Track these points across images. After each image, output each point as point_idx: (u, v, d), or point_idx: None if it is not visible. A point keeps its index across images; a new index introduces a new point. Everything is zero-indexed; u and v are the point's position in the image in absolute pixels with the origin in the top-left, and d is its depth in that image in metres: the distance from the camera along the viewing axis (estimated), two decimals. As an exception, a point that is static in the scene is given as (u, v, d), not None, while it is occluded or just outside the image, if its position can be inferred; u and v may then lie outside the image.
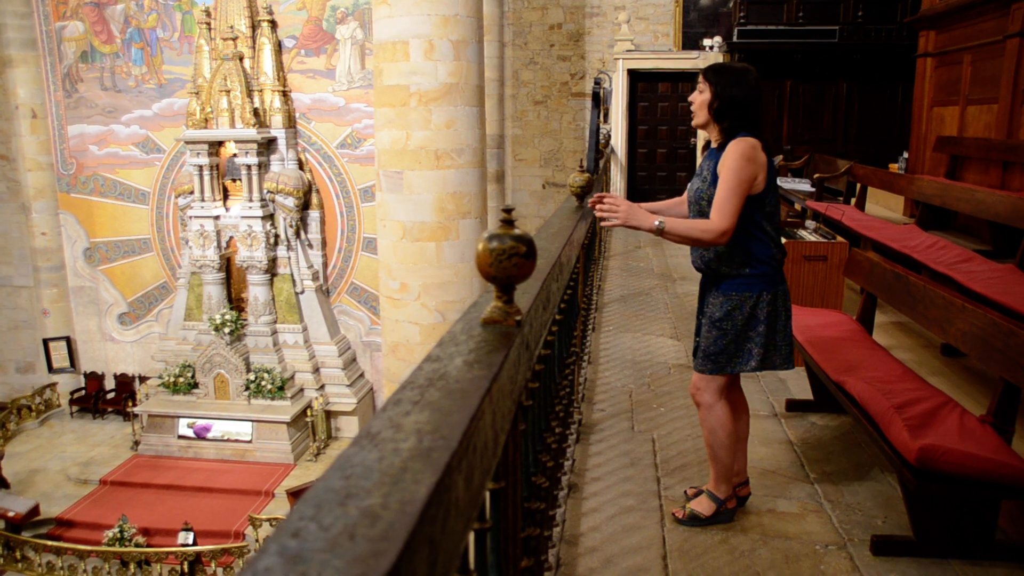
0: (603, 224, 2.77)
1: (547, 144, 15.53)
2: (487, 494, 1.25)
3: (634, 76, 11.88)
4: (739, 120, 2.73)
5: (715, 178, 2.72)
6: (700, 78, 2.80)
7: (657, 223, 2.67)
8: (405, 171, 8.99)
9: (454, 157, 8.93)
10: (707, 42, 11.39)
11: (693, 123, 2.85)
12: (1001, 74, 6.08)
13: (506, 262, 1.35)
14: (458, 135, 8.96)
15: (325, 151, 15.41)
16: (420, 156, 8.92)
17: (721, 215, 2.63)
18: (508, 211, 1.41)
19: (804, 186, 7.85)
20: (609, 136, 10.07)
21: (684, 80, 11.80)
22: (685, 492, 3.09)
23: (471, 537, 1.26)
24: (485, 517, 1.21)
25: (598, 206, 2.73)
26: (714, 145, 2.81)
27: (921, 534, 2.72)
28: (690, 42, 13.72)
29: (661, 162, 11.47)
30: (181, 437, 13.79)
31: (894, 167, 8.73)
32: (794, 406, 4.06)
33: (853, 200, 7.19)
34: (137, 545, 11.10)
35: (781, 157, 5.71)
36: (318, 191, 15.40)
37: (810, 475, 3.35)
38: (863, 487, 3.24)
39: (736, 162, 2.65)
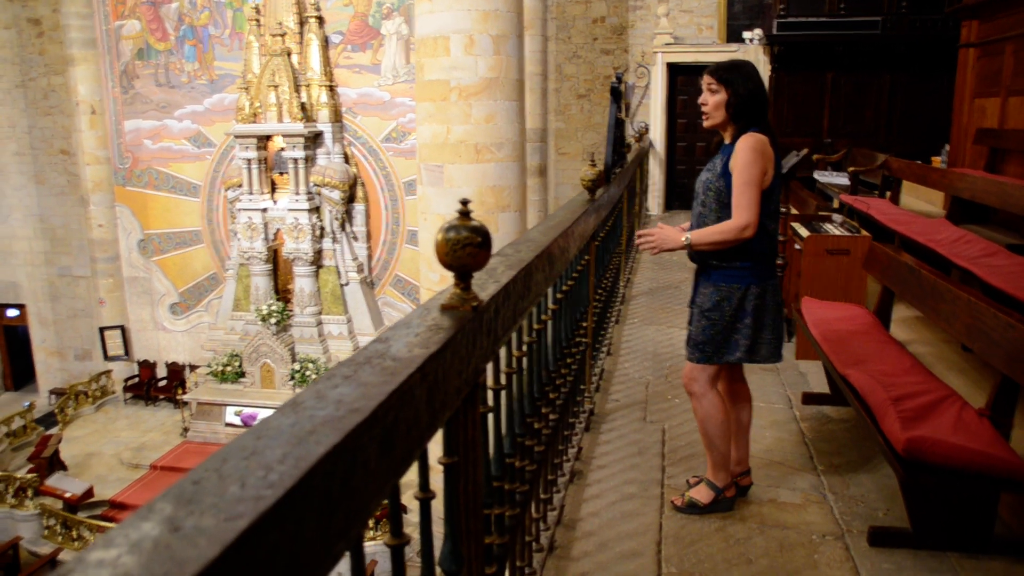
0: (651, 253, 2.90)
1: (590, 138, 15.53)
2: (433, 467, 1.34)
3: (673, 69, 11.83)
4: (752, 116, 2.77)
5: (724, 171, 2.76)
6: (709, 79, 2.82)
7: (684, 239, 2.77)
8: (445, 165, 9.11)
9: (494, 151, 9.02)
10: (746, 35, 11.30)
11: (706, 124, 2.88)
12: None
13: (461, 251, 1.43)
14: (498, 129, 9.04)
15: (370, 145, 15.65)
16: (460, 150, 9.04)
17: (740, 210, 2.69)
18: (464, 203, 1.49)
19: (841, 179, 7.77)
20: (647, 129, 10.03)
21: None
22: (687, 481, 3.14)
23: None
24: (427, 487, 1.29)
25: (638, 243, 2.92)
26: (728, 141, 2.85)
27: (918, 526, 2.73)
28: (734, 35, 13.57)
29: (701, 156, 11.41)
30: (228, 425, 14.17)
31: (936, 160, 8.58)
32: (810, 399, 4.07)
33: (888, 194, 7.09)
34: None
35: (805, 151, 5.67)
36: (363, 184, 15.64)
37: (817, 467, 3.37)
38: (869, 479, 3.25)
39: (748, 156, 2.70)
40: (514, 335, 2.01)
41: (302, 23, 15.03)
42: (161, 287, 16.97)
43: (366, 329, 15.17)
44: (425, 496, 1.29)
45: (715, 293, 2.81)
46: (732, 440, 3.03)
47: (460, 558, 1.45)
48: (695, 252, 2.86)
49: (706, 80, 2.83)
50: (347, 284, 15.21)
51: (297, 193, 14.67)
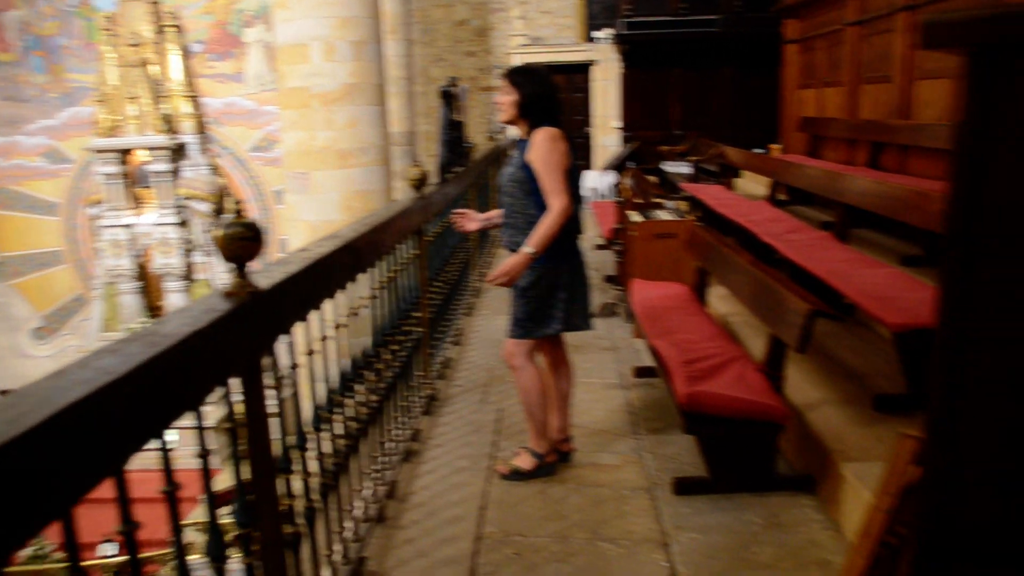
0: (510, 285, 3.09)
1: (480, 137, 15.80)
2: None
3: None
4: (542, 114, 3.06)
5: (523, 163, 3.03)
6: (503, 81, 3.11)
7: (528, 251, 2.98)
8: (311, 171, 9.12)
9: (358, 156, 9.09)
10: (597, 35, 11.79)
11: (500, 119, 3.18)
12: (844, 59, 6.58)
13: (235, 244, 1.63)
14: (361, 134, 9.11)
15: (238, 155, 15.41)
16: (325, 156, 9.07)
17: (554, 195, 2.97)
18: (238, 202, 1.68)
19: (684, 168, 8.28)
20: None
21: (578, 72, 12.19)
22: (515, 451, 3.40)
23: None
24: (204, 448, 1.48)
25: (494, 284, 3.07)
26: (524, 137, 3.12)
27: (714, 473, 3.08)
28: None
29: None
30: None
31: (775, 148, 9.23)
32: (641, 372, 4.40)
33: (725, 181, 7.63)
34: (57, 561, 11.04)
35: (636, 144, 6.06)
36: (233, 195, 15.39)
37: (638, 432, 3.69)
38: (682, 439, 3.54)
39: (547, 145, 2.99)
40: (319, 320, 2.21)
41: (159, 32, 14.66)
42: (21, 312, 16.21)
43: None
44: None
45: (530, 274, 3.06)
46: (554, 409, 3.32)
47: (251, 513, 1.64)
48: (511, 241, 3.11)
49: (501, 82, 3.12)
50: (221, 297, 14.92)
51: (164, 207, 14.32)
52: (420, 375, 3.78)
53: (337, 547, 2.34)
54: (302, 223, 9.03)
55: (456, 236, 5.04)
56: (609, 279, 6.40)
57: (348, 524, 2.46)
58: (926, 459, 1.17)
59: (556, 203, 2.95)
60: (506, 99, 3.08)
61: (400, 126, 14.13)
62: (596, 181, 9.12)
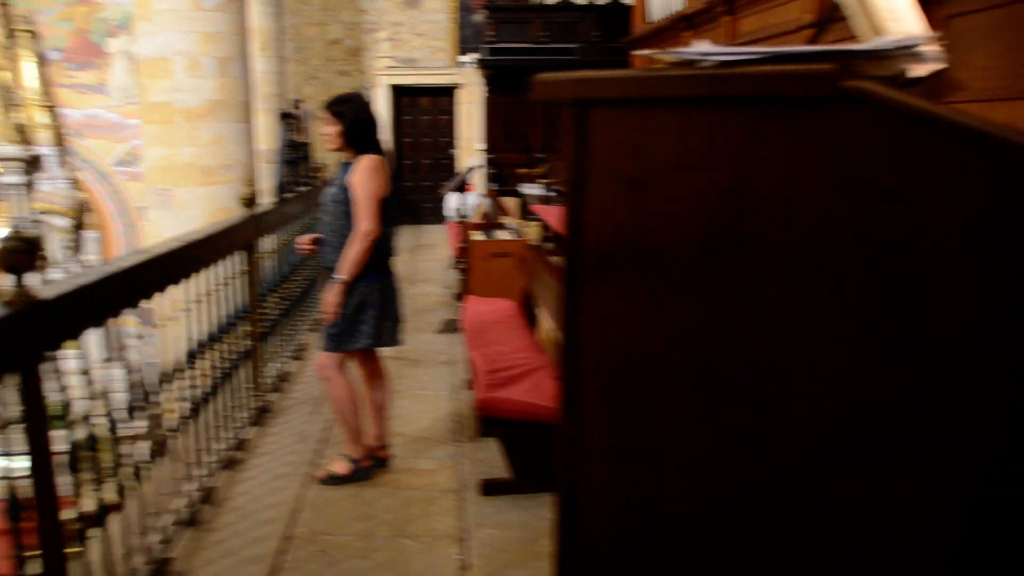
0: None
1: (332, 157, 15.81)
2: None
3: (399, 91, 12.48)
4: (364, 140, 3.28)
5: (343, 187, 3.24)
6: (327, 113, 3.31)
7: (340, 279, 3.19)
8: (174, 188, 9.00)
9: (223, 173, 9.04)
10: (462, 59, 12.14)
11: (328, 148, 3.38)
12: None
13: (12, 257, 1.78)
14: (226, 151, 9.05)
15: (101, 169, 14.94)
16: (188, 173, 8.96)
17: (362, 219, 3.19)
18: (17, 229, 1.82)
19: (539, 191, 8.66)
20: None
21: (443, 95, 12.50)
22: (334, 458, 3.57)
23: None
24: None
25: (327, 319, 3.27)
26: (346, 160, 3.33)
27: (518, 474, 3.34)
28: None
29: (426, 172, 12.11)
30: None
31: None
32: (471, 384, 4.65)
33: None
34: None
35: (471, 168, 6.36)
36: (94, 210, 14.90)
37: (460, 439, 3.93)
38: (497, 444, 3.83)
39: (366, 174, 3.20)
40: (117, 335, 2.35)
41: (11, 36, 14.09)
42: None
43: (103, 362, 14.41)
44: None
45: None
46: (372, 418, 3.53)
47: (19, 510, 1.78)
48: (328, 262, 3.31)
49: (324, 114, 3.32)
50: (80, 314, 14.39)
51: (17, 221, 13.72)
52: (250, 387, 3.90)
53: (140, 549, 2.47)
54: (165, 240, 8.92)
55: (299, 255, 5.18)
56: (457, 296, 6.66)
57: (157, 525, 2.59)
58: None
59: (362, 227, 3.16)
60: (331, 130, 3.29)
61: (270, 143, 14.05)
62: (458, 202, 9.40)
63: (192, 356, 3.00)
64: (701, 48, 1.20)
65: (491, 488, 3.35)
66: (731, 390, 1.19)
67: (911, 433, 1.12)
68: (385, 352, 3.60)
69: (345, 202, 3.25)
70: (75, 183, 14.72)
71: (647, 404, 1.23)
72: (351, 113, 3.27)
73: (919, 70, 1.29)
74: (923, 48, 1.19)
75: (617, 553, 1.31)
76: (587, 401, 1.27)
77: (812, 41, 1.74)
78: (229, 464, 3.44)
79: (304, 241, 3.52)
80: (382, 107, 12.39)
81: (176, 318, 2.94)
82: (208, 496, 3.13)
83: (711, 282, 1.16)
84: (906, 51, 1.18)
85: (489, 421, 3.09)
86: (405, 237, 10.75)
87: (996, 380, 1.07)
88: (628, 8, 9.81)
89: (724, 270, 1.15)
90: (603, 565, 1.32)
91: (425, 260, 8.86)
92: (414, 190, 12.13)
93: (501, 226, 6.01)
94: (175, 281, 2.78)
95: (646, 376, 1.22)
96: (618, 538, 1.30)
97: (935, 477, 1.12)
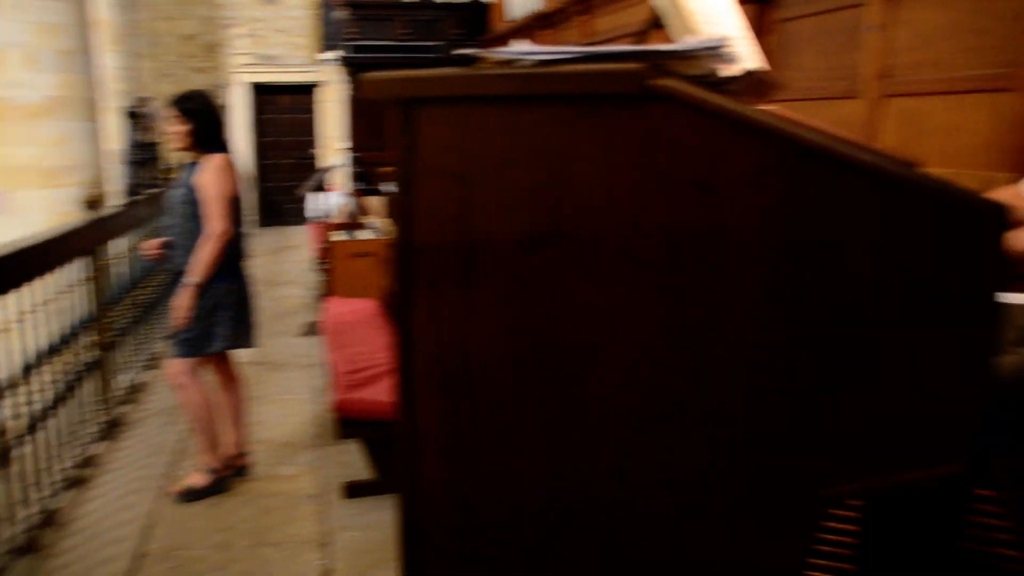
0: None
1: (179, 157, 15.22)
2: None
3: (260, 89, 12.11)
4: (211, 139, 3.17)
5: (191, 188, 3.12)
6: (173, 111, 3.18)
7: (191, 281, 3.07)
8: (14, 190, 8.43)
9: (68, 175, 8.53)
10: (324, 56, 11.94)
11: (173, 148, 3.25)
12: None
13: None
14: (71, 151, 8.55)
15: (-71, 171, 13.80)
16: (28, 174, 8.39)
17: (213, 220, 3.08)
18: None
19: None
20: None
21: (304, 93, 12.25)
22: (190, 470, 3.45)
23: None
24: None
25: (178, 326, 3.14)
26: (192, 160, 3.21)
27: (381, 474, 3.32)
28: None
29: (288, 172, 11.81)
30: None
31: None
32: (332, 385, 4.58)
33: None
34: None
35: (329, 167, 6.29)
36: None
37: (322, 443, 3.86)
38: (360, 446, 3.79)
39: (214, 174, 3.10)
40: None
41: None
42: None
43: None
44: None
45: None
46: (230, 424, 3.42)
47: None
48: (176, 266, 3.18)
49: (171, 112, 3.19)
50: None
51: None
52: (99, 400, 3.71)
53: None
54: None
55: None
56: (320, 298, 6.54)
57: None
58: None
59: (213, 228, 3.07)
60: (178, 129, 3.16)
61: (122, 143, 13.37)
62: (321, 202, 9.22)
63: (28, 370, 2.82)
64: (520, 48, 1.23)
65: (354, 490, 3.32)
66: (548, 379, 1.23)
67: (692, 414, 1.20)
68: (246, 357, 3.51)
69: (193, 203, 3.13)
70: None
71: (478, 400, 1.25)
72: (198, 112, 3.16)
73: (728, 70, 1.37)
74: (726, 49, 1.27)
75: (459, 549, 1.33)
76: (422, 400, 1.29)
77: (637, 42, 1.81)
78: (75, 483, 3.26)
79: (151, 246, 3.37)
80: (240, 105, 12.00)
81: (8, 329, 2.75)
82: (50, 519, 2.95)
83: (532, 275, 1.20)
84: (711, 51, 1.24)
85: (348, 422, 3.06)
86: (267, 239, 10.47)
87: (772, 362, 1.16)
88: (488, 7, 9.91)
89: (543, 263, 1.19)
90: (446, 564, 1.34)
91: (288, 262, 8.65)
92: (275, 191, 11.82)
93: (364, 226, 5.94)
94: (3, 291, 2.61)
95: (476, 372, 1.25)
96: (459, 535, 1.32)
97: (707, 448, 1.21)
